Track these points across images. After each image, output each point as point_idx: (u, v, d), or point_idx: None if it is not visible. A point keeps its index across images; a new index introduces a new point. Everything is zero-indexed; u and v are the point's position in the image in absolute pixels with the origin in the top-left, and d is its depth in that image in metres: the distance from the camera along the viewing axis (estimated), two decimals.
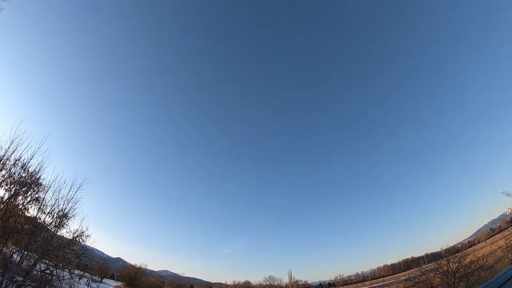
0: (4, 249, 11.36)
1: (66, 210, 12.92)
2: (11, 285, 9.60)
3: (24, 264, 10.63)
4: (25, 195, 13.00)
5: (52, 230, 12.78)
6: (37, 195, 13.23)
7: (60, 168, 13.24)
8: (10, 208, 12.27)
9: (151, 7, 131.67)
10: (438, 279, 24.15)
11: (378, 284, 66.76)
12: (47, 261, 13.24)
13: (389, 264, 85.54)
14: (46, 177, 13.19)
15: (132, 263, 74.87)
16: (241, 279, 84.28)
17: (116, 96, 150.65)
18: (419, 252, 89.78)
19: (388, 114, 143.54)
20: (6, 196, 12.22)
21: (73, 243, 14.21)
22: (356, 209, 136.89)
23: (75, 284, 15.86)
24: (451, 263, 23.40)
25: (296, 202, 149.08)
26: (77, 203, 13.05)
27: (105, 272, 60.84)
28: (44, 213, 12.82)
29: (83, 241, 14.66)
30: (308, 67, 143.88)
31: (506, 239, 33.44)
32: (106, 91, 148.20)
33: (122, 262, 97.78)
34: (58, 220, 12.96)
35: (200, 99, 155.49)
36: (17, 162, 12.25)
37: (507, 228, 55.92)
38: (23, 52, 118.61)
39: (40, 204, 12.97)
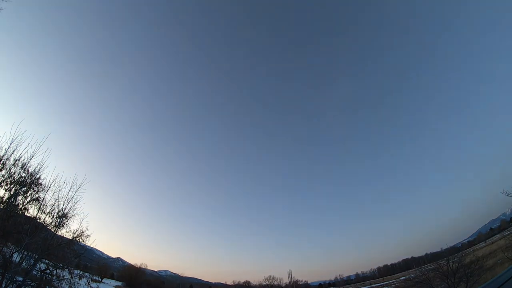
0: (4, 249, 11.34)
1: (66, 210, 12.88)
2: (11, 285, 9.59)
3: (24, 264, 10.61)
4: (25, 195, 12.95)
5: (52, 230, 12.74)
6: (37, 195, 13.18)
7: (60, 168, 13.19)
8: (10, 208, 12.24)
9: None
10: (438, 279, 24.11)
11: (378, 284, 66.67)
12: (47, 261, 13.19)
13: (389, 264, 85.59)
14: (46, 177, 13.09)
15: (132, 263, 74.94)
16: (241, 279, 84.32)
17: (115, 95, 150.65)
18: (419, 252, 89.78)
19: (388, 112, 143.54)
20: (6, 196, 12.19)
21: (73, 243, 14.17)
22: (356, 209, 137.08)
23: (75, 284, 15.83)
24: (451, 263, 23.37)
25: (296, 203, 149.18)
26: (77, 203, 12.99)
27: (105, 272, 60.77)
28: (44, 213, 12.76)
29: (83, 241, 14.61)
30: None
31: (506, 239, 33.42)
32: (106, 90, 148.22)
33: (122, 262, 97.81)
34: (58, 220, 12.91)
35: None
36: (17, 162, 12.20)
37: (507, 228, 55.87)
38: (23, 52, 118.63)
39: (40, 204, 12.91)
